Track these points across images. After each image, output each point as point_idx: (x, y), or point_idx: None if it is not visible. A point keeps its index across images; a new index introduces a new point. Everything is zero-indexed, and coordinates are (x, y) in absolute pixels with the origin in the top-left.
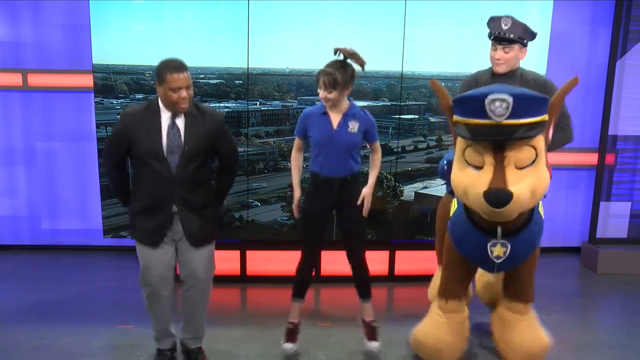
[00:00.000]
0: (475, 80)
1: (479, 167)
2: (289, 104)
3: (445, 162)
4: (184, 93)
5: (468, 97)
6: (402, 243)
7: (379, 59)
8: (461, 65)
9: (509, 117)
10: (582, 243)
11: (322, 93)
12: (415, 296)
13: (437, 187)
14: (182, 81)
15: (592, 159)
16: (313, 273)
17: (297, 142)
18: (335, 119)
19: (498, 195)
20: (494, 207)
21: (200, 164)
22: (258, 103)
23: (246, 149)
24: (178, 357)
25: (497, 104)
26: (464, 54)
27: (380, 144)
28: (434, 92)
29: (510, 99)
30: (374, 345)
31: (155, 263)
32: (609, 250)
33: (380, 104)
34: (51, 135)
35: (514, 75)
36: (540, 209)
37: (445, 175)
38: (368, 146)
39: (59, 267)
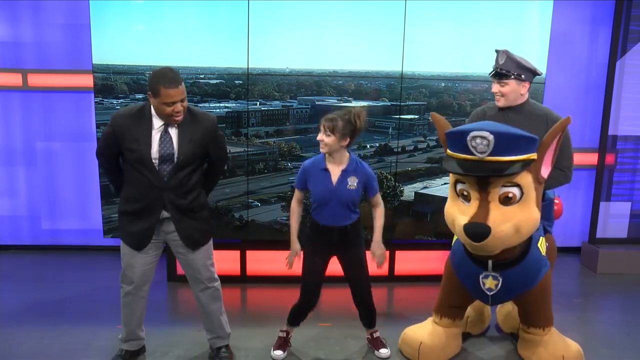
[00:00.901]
0: (484, 112)
1: (468, 200)
2: (289, 104)
3: None
4: (179, 106)
5: (454, 133)
6: (402, 243)
7: (379, 59)
8: (461, 65)
9: (491, 154)
10: (582, 243)
11: (319, 135)
12: (415, 296)
13: (437, 187)
14: (178, 95)
15: (592, 159)
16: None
17: (297, 194)
18: (334, 174)
19: (475, 229)
20: (472, 240)
21: (192, 170)
22: (258, 103)
23: (246, 149)
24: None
25: (478, 140)
26: (464, 54)
27: (380, 144)
28: (435, 126)
29: (491, 137)
30: (383, 351)
31: (137, 264)
32: (609, 250)
33: (380, 104)
34: (51, 135)
35: (522, 110)
36: (542, 246)
37: None
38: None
39: (59, 267)
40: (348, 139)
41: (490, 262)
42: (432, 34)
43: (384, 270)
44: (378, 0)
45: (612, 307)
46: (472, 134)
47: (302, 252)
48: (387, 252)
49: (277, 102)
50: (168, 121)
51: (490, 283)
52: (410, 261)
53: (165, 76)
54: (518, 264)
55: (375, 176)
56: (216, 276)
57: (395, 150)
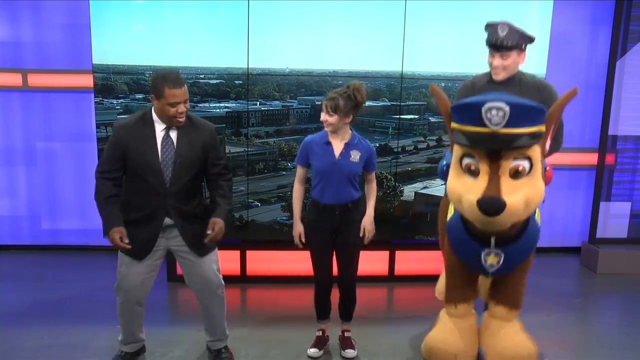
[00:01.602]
0: (472, 85)
1: (475, 175)
2: (289, 104)
3: (444, 163)
4: (182, 107)
5: (466, 105)
6: (402, 243)
7: (379, 59)
8: (461, 65)
9: (505, 126)
10: (582, 243)
11: (323, 116)
12: (415, 296)
13: (437, 187)
14: (181, 96)
15: (592, 159)
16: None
17: (299, 171)
18: (337, 148)
19: (491, 204)
20: (487, 215)
21: (194, 176)
22: (258, 103)
23: (246, 149)
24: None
25: (494, 112)
26: (464, 54)
27: (380, 144)
28: (433, 97)
29: (507, 108)
30: (349, 352)
31: (135, 273)
32: (609, 250)
33: (380, 104)
34: (51, 135)
35: (513, 81)
36: (537, 216)
37: (445, 177)
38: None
39: (59, 267)
40: (351, 116)
41: (493, 238)
42: (432, 34)
43: (384, 270)
44: (378, 0)
45: (612, 307)
46: (487, 105)
47: (306, 235)
48: (387, 253)
49: (277, 102)
50: (171, 123)
51: (492, 260)
52: (410, 261)
53: (169, 77)
54: (519, 238)
55: (375, 153)
56: (222, 281)
57: (395, 150)
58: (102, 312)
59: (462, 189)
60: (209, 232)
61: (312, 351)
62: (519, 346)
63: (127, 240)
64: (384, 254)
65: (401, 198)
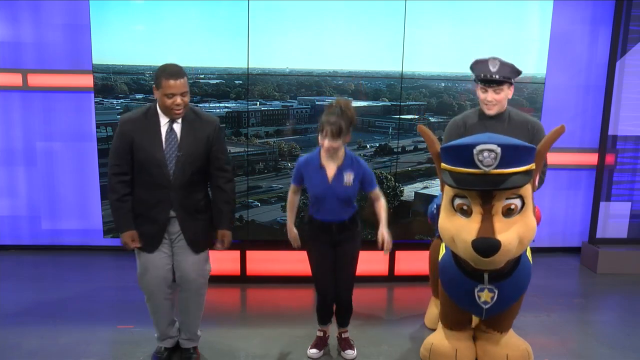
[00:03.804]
0: (464, 123)
1: (467, 215)
2: (289, 104)
3: (435, 206)
4: (178, 99)
5: (456, 147)
6: (402, 243)
7: (379, 59)
8: (461, 65)
9: (497, 167)
10: (582, 243)
11: (327, 143)
12: (415, 296)
13: (437, 187)
14: (177, 88)
15: (592, 159)
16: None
17: (293, 187)
18: (330, 171)
19: (486, 244)
20: (482, 256)
21: (197, 169)
22: (258, 103)
23: (246, 149)
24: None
25: (486, 154)
26: (464, 54)
27: (380, 144)
28: (424, 139)
29: (499, 150)
30: (349, 353)
31: (152, 267)
32: (609, 250)
33: (380, 104)
34: (51, 135)
35: (502, 117)
36: (529, 253)
37: (435, 220)
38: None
39: (59, 267)
40: (349, 135)
41: (486, 275)
42: (432, 34)
43: (384, 270)
44: (378, 0)
45: (612, 307)
46: (479, 147)
47: (306, 252)
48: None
49: (277, 102)
50: (169, 115)
51: (486, 296)
52: (410, 261)
53: (168, 69)
54: (512, 274)
55: (371, 171)
56: (207, 283)
57: (395, 150)
58: (102, 312)
59: (454, 229)
60: (218, 245)
61: (313, 352)
62: (516, 350)
63: (138, 244)
64: (384, 254)
65: (401, 198)
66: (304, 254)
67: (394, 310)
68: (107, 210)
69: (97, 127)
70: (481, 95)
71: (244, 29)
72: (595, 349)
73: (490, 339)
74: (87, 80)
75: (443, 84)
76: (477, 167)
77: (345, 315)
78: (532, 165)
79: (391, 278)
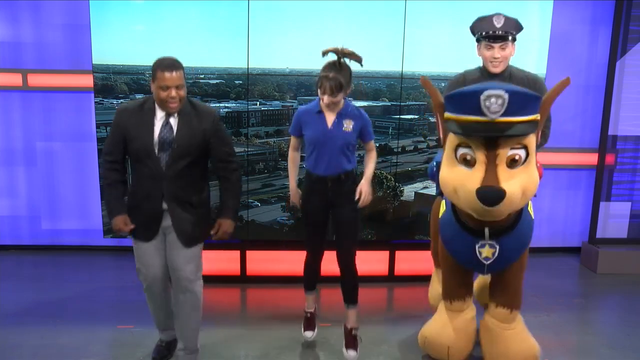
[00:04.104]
0: (464, 78)
1: (470, 166)
2: (289, 104)
3: (434, 163)
4: (172, 92)
5: (463, 93)
6: (402, 243)
7: (379, 59)
8: (461, 65)
9: (503, 114)
10: (582, 243)
11: (327, 98)
12: (415, 296)
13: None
14: (172, 80)
15: (592, 159)
16: (320, 268)
17: (292, 140)
18: (329, 117)
19: (491, 193)
20: (487, 205)
21: (192, 162)
22: (258, 103)
23: (246, 149)
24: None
25: (493, 100)
26: (464, 54)
27: (380, 144)
28: (424, 89)
29: (506, 95)
30: (351, 354)
31: (149, 258)
32: (609, 250)
33: (380, 104)
34: (51, 135)
35: (504, 74)
36: (530, 209)
37: (435, 177)
38: (363, 146)
39: (59, 267)
40: (352, 86)
41: (487, 229)
42: (432, 34)
43: (384, 270)
44: (378, 0)
45: (612, 307)
46: (486, 92)
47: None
48: (387, 253)
49: (277, 102)
50: (164, 108)
51: (487, 252)
52: (410, 261)
53: (164, 62)
54: (513, 229)
55: (370, 121)
56: (200, 281)
57: (395, 150)
58: (102, 312)
59: (457, 180)
60: (213, 232)
61: (308, 334)
62: (526, 350)
63: (131, 226)
64: (384, 254)
65: (401, 198)
66: (304, 254)
67: (394, 310)
68: None
69: (97, 127)
70: (486, 53)
71: (244, 29)
72: (595, 349)
73: (501, 331)
74: (87, 80)
75: (443, 84)
76: (484, 115)
77: (351, 288)
78: (537, 116)
79: (391, 278)
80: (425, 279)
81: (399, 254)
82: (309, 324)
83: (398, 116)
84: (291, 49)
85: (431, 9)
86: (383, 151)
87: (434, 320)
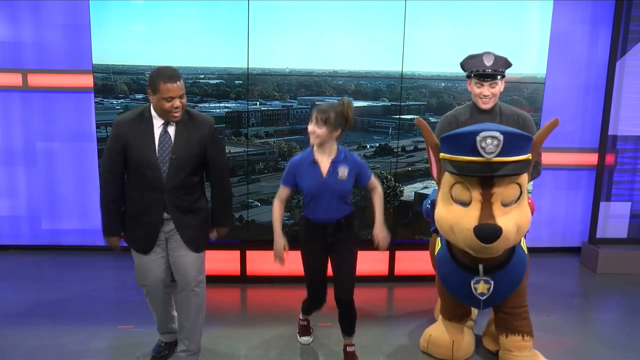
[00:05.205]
0: (455, 119)
1: (466, 205)
2: (289, 104)
3: (429, 201)
4: (177, 102)
5: (459, 135)
6: (402, 243)
7: (379, 59)
8: None
9: (498, 155)
10: (582, 243)
11: (311, 127)
12: (415, 296)
13: (437, 188)
14: (176, 91)
15: (592, 159)
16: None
17: (282, 192)
18: (324, 166)
19: (488, 230)
20: (484, 242)
21: (191, 171)
22: (258, 103)
23: (246, 149)
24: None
25: (489, 141)
26: (464, 54)
27: (380, 144)
28: (420, 131)
29: (502, 137)
30: None
31: (148, 267)
32: (609, 250)
33: (380, 104)
34: (51, 135)
35: (494, 111)
36: (523, 244)
37: (430, 215)
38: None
39: (59, 267)
40: (339, 131)
41: (481, 266)
42: (432, 34)
43: (384, 270)
44: (378, 0)
45: (612, 307)
46: (482, 134)
47: (300, 253)
48: (387, 252)
49: (277, 102)
50: (167, 118)
51: (482, 288)
52: (410, 261)
53: (164, 72)
54: (506, 265)
55: (365, 163)
56: (204, 284)
57: (395, 150)
58: (102, 312)
59: (453, 219)
60: (212, 235)
61: (304, 339)
62: None
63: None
64: (384, 254)
65: (401, 198)
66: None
67: (394, 310)
68: None
69: (97, 127)
70: (476, 90)
71: (244, 29)
72: (595, 349)
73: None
74: (87, 80)
75: (443, 84)
76: (479, 155)
77: (349, 322)
78: (529, 155)
79: (391, 278)
80: (425, 279)
81: (399, 254)
82: (305, 330)
83: (398, 116)
84: (291, 49)
85: (431, 9)
86: (383, 151)
87: (437, 324)
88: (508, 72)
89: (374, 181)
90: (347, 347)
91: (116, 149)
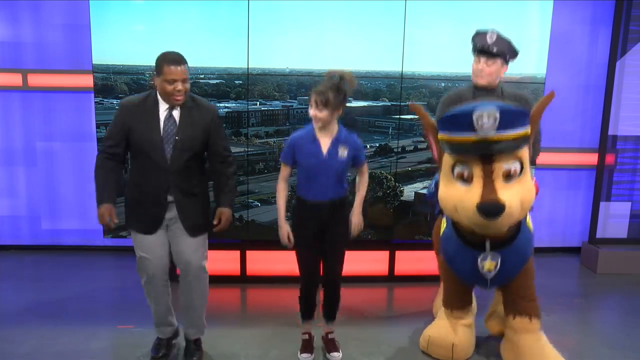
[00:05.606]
0: (458, 97)
1: (468, 182)
2: (289, 104)
3: (434, 183)
4: (179, 85)
5: (455, 114)
6: (402, 243)
7: (379, 59)
8: (461, 65)
9: (496, 131)
10: (582, 243)
11: (312, 111)
12: (415, 296)
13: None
14: (178, 74)
15: (592, 159)
16: (317, 295)
17: (283, 170)
18: (324, 144)
19: (491, 206)
20: (488, 218)
21: (195, 155)
22: (258, 103)
23: (246, 149)
24: (178, 350)
25: (485, 118)
26: (464, 54)
27: (380, 144)
28: (416, 115)
29: (498, 113)
30: (334, 356)
31: (150, 250)
32: (609, 250)
33: (380, 104)
34: (51, 135)
35: (495, 91)
36: (529, 222)
37: (434, 197)
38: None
39: (59, 267)
40: (341, 109)
41: (488, 242)
42: (432, 34)
43: (384, 270)
44: (378, 0)
45: (612, 307)
46: (478, 111)
47: (293, 235)
48: (387, 253)
49: (277, 102)
50: (170, 101)
51: (489, 265)
52: (410, 261)
53: (169, 56)
54: (513, 241)
55: (362, 146)
56: (206, 268)
57: (395, 150)
58: (102, 312)
59: (457, 197)
60: (215, 222)
61: (305, 356)
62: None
63: (116, 220)
64: (384, 254)
65: (401, 198)
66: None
67: (394, 310)
68: None
69: (97, 127)
70: (474, 65)
71: (244, 29)
72: (595, 349)
73: (520, 345)
74: (87, 80)
75: (443, 84)
76: (477, 133)
77: (332, 306)
78: (528, 130)
79: (391, 278)
80: (425, 279)
81: (399, 254)
82: (306, 346)
83: (398, 116)
84: (291, 49)
85: (431, 9)
86: (383, 151)
87: (436, 322)
88: (508, 72)
89: (365, 167)
90: (329, 335)
91: (118, 129)
